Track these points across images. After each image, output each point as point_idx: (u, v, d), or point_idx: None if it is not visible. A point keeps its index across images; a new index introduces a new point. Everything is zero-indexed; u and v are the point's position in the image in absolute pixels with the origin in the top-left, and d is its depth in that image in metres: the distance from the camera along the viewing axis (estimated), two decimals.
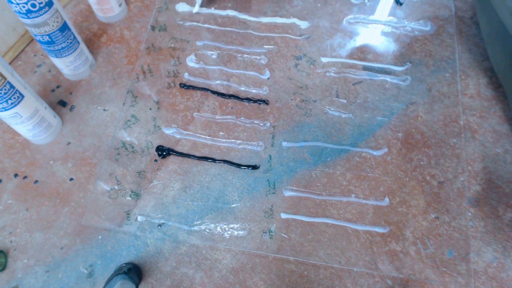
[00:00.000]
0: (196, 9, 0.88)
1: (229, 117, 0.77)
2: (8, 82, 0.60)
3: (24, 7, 0.61)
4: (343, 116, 0.77)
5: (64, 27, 0.69)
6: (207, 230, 0.67)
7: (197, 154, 0.74)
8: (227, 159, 0.73)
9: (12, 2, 0.60)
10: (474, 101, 0.78)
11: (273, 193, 0.70)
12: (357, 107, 0.78)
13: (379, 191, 0.70)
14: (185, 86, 0.81)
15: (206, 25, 0.88)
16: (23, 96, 0.64)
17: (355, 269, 0.64)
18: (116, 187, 0.71)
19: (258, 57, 0.84)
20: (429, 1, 0.90)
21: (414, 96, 0.79)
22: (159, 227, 0.68)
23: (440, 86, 0.80)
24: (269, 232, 0.67)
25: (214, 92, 0.80)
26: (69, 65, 0.77)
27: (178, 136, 0.76)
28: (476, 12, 0.87)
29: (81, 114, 0.79)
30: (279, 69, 0.83)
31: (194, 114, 0.78)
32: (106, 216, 0.69)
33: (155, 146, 0.75)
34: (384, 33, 0.87)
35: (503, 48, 0.72)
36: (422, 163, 0.72)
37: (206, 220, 0.68)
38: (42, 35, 0.67)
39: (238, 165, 0.72)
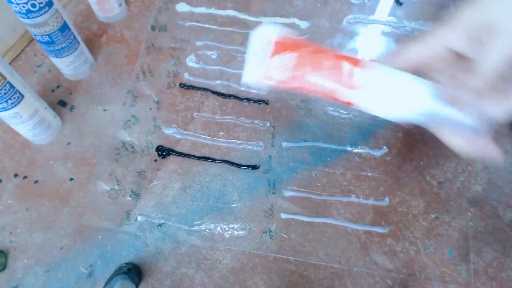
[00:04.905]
0: None
1: (229, 117, 0.77)
2: (8, 82, 0.60)
3: (24, 7, 0.61)
4: (343, 116, 0.77)
5: (64, 27, 0.69)
6: (207, 230, 0.67)
7: (197, 154, 0.74)
8: (227, 159, 0.73)
9: (12, 2, 0.60)
10: None
11: (273, 193, 0.70)
12: None
13: (379, 191, 0.70)
14: (185, 86, 0.81)
15: (206, 25, 0.88)
16: (23, 96, 0.64)
17: (355, 269, 0.65)
18: (116, 187, 0.71)
19: None
20: (429, 1, 0.90)
21: None
22: (159, 227, 0.68)
23: None
24: (269, 232, 0.67)
25: (214, 92, 0.80)
26: (69, 65, 0.77)
27: (178, 136, 0.76)
28: None
29: (81, 114, 0.79)
30: None
31: (194, 114, 0.78)
32: (106, 216, 0.69)
33: (155, 146, 0.75)
34: (384, 33, 0.87)
35: None
36: (422, 163, 0.72)
37: (206, 220, 0.68)
38: (42, 35, 0.67)
39: (238, 165, 0.72)
